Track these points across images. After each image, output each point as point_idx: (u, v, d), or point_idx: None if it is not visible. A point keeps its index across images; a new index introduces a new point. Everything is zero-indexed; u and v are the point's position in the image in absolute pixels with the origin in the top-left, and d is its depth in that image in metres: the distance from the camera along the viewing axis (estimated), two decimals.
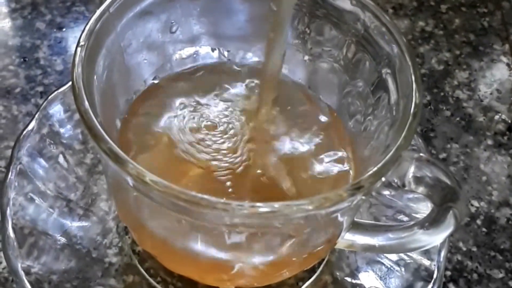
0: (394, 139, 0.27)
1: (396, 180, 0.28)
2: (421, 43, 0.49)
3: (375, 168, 0.26)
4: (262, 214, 0.24)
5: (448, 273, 0.37)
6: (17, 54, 0.45)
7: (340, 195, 0.24)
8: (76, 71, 0.27)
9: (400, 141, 0.26)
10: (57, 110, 0.38)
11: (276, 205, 0.24)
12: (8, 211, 0.35)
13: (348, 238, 0.31)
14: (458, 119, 0.45)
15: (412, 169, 0.27)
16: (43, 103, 0.38)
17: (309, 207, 0.24)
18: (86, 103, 0.26)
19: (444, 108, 0.45)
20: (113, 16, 0.30)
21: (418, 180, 0.27)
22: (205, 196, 0.24)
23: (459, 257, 0.38)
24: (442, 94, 0.46)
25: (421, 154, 0.28)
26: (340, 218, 0.28)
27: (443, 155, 0.43)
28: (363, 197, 0.26)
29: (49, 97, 0.38)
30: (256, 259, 0.29)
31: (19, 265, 0.33)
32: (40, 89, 0.43)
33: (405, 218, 0.37)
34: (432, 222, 0.29)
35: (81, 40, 0.28)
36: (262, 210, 0.24)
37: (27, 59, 0.45)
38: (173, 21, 0.33)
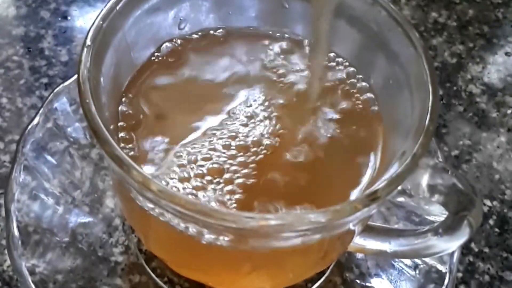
0: (410, 146, 0.26)
1: (409, 188, 0.27)
2: (433, 35, 0.48)
3: (391, 178, 0.25)
4: (273, 226, 0.23)
5: (460, 274, 0.37)
6: (21, 44, 0.44)
7: (355, 206, 0.24)
8: (82, 73, 0.26)
9: (416, 149, 0.26)
10: (62, 104, 0.38)
11: (288, 217, 0.23)
12: (12, 208, 0.34)
13: (359, 243, 0.31)
14: (471, 114, 0.44)
15: (426, 177, 0.27)
16: (48, 96, 0.37)
17: (322, 220, 0.23)
18: (93, 106, 0.25)
19: (457, 103, 0.44)
20: (120, 14, 0.29)
21: (432, 188, 0.27)
22: (214, 207, 0.23)
23: (471, 258, 0.37)
24: (454, 88, 0.45)
25: (436, 162, 0.27)
26: (352, 227, 0.27)
27: (455, 152, 0.42)
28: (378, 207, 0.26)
29: (54, 91, 0.38)
30: (265, 266, 0.29)
31: (23, 264, 0.32)
32: (44, 80, 0.42)
33: (417, 219, 0.36)
34: (447, 229, 0.28)
35: (87, 40, 0.27)
36: (272, 223, 0.23)
37: (31, 50, 0.44)
38: (181, 17, 0.33)
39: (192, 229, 0.26)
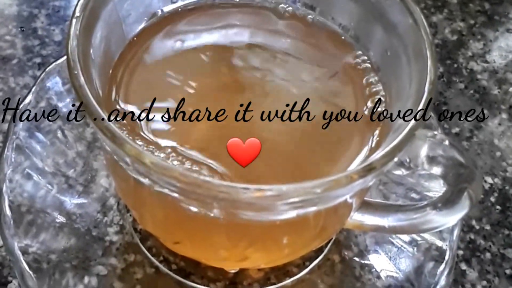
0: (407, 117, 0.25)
1: (408, 160, 0.26)
2: (434, 12, 0.47)
3: (387, 149, 0.24)
4: (268, 197, 0.23)
5: (460, 252, 0.36)
6: (14, 23, 0.43)
7: (351, 177, 0.23)
8: (71, 44, 0.25)
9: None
10: (55, 83, 0.37)
11: (284, 188, 0.22)
12: (4, 188, 0.33)
13: (357, 219, 0.30)
14: (471, 91, 0.43)
15: (425, 148, 0.26)
16: (40, 75, 0.37)
17: (317, 190, 0.23)
18: (82, 78, 0.24)
19: (458, 80, 0.44)
20: None
21: (431, 160, 0.26)
22: (208, 179, 0.23)
23: (472, 236, 0.37)
24: (455, 65, 0.44)
25: (435, 133, 0.26)
26: (349, 200, 0.27)
27: (456, 130, 0.41)
28: (374, 179, 0.25)
29: (47, 69, 0.37)
30: (261, 241, 0.28)
31: (16, 244, 0.32)
32: (37, 60, 0.42)
33: (416, 196, 0.36)
34: (446, 202, 0.28)
35: (76, 11, 0.26)
36: (268, 194, 0.22)
37: (24, 29, 0.43)
38: None
39: (188, 203, 0.25)
